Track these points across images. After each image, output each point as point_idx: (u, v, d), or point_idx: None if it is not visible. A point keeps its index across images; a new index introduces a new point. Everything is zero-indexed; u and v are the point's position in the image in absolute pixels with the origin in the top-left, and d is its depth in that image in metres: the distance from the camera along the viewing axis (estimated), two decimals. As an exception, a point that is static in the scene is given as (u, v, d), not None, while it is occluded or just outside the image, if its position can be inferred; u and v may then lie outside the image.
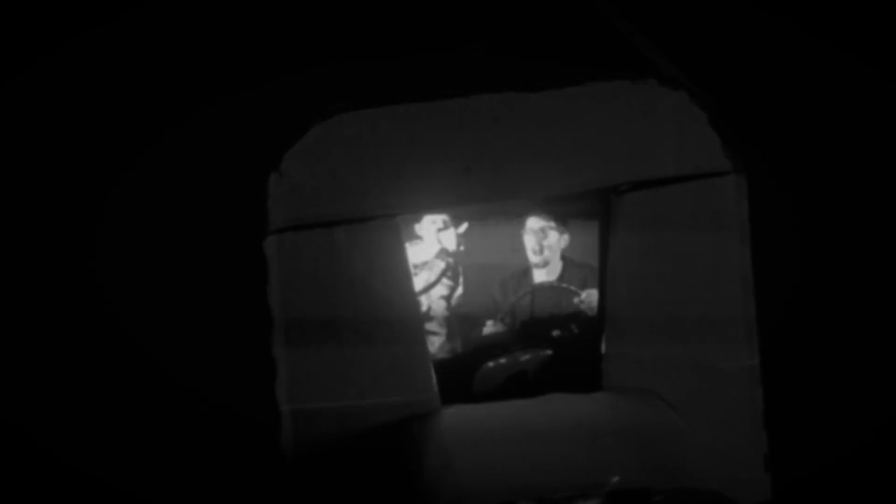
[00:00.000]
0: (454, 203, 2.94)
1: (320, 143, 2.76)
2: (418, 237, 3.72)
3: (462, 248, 3.69)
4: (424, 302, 3.68)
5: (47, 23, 3.67)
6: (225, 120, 3.18)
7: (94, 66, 3.57)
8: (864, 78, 3.92)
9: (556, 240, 3.67)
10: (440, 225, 3.69)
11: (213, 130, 3.22)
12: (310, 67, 3.09)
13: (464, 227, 3.70)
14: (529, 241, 3.71)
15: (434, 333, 3.64)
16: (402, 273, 2.91)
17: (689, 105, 2.85)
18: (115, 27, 3.63)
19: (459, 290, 3.82)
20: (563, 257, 3.74)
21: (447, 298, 3.74)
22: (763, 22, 3.87)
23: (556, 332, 3.35)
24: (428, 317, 3.64)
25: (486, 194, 2.91)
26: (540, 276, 3.69)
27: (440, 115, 2.81)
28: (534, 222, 3.71)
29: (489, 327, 3.55)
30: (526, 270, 3.76)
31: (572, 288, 3.56)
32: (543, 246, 3.66)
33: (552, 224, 3.65)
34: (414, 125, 2.80)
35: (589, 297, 3.47)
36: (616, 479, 2.55)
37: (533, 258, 3.67)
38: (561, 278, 3.64)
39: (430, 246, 3.68)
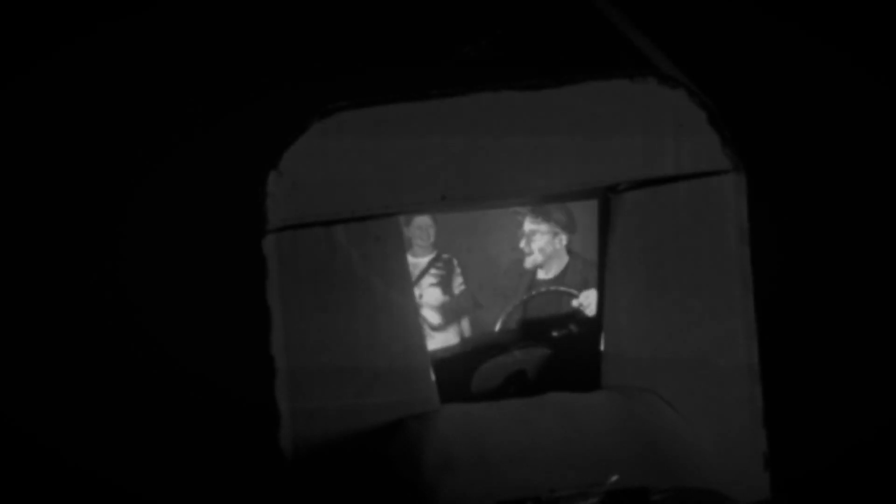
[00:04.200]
0: (454, 202, 2.94)
1: (320, 142, 2.75)
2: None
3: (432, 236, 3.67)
4: (416, 292, 3.67)
5: (48, 25, 3.68)
6: (224, 118, 3.18)
7: (93, 65, 3.57)
8: (863, 78, 3.92)
9: (548, 242, 3.66)
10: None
11: (211, 129, 3.23)
12: (309, 65, 3.09)
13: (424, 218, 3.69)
14: (523, 243, 3.71)
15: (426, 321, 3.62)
16: (402, 273, 2.91)
17: (688, 103, 2.85)
18: (114, 27, 3.63)
19: (459, 280, 3.82)
20: (570, 252, 3.73)
21: (440, 286, 3.73)
22: (762, 21, 3.87)
23: (555, 332, 3.34)
24: (419, 304, 3.63)
25: (486, 194, 2.90)
26: (539, 273, 3.68)
27: (440, 114, 2.80)
28: (526, 224, 3.71)
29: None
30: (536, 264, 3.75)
31: (571, 291, 3.56)
32: (533, 249, 3.66)
33: (543, 227, 3.65)
34: (413, 124, 2.79)
35: (587, 300, 3.47)
36: (615, 477, 2.54)
37: (527, 259, 3.67)
38: (563, 275, 3.64)
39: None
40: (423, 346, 2.95)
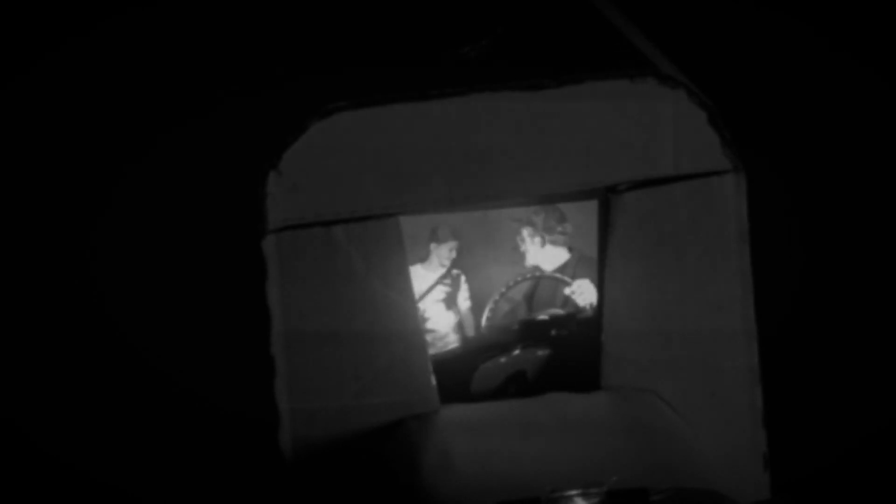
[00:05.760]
0: (454, 202, 2.94)
1: (320, 142, 2.75)
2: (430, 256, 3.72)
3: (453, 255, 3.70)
4: (420, 307, 3.67)
5: (47, 21, 3.67)
6: (224, 118, 3.18)
7: (93, 64, 3.57)
8: (863, 78, 3.92)
9: (533, 239, 3.67)
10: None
11: (211, 129, 3.23)
12: (309, 65, 3.09)
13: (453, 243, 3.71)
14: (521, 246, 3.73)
15: (431, 331, 3.63)
16: (402, 272, 2.91)
17: (687, 103, 2.84)
18: (115, 25, 3.63)
19: (465, 295, 3.82)
20: (571, 249, 3.74)
21: (445, 302, 3.74)
22: (763, 21, 3.87)
23: (555, 332, 3.34)
24: (422, 319, 3.63)
25: (486, 194, 2.90)
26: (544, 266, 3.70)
27: (440, 115, 2.80)
28: (525, 232, 3.73)
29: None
30: (537, 265, 3.77)
31: (565, 279, 3.57)
32: (527, 249, 3.67)
33: (526, 230, 3.67)
34: (413, 124, 2.79)
35: (579, 288, 3.47)
36: (615, 478, 2.54)
37: (528, 259, 3.69)
38: (561, 269, 3.65)
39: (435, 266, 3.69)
40: (423, 346, 2.95)
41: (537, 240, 3.69)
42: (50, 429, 3.49)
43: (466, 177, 2.84)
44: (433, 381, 2.94)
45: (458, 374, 3.18)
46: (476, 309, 3.82)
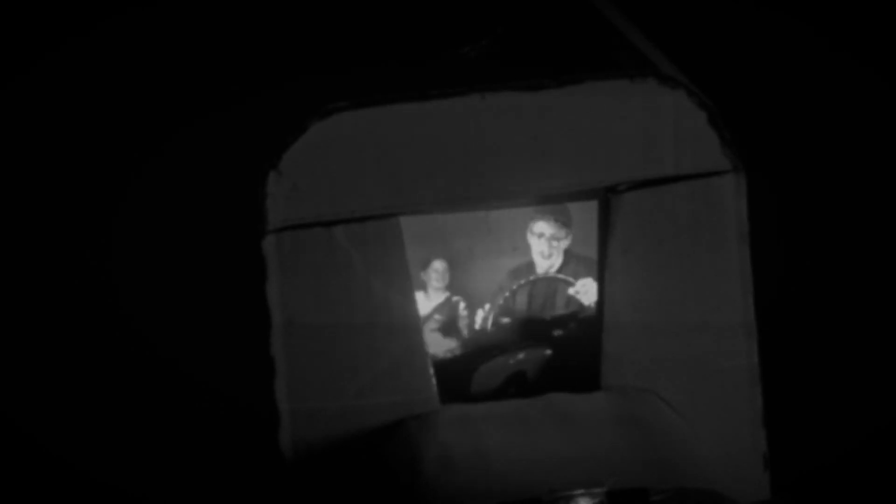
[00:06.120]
0: (454, 203, 2.94)
1: (320, 142, 2.75)
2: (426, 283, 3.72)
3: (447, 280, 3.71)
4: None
5: (47, 21, 3.67)
6: (224, 119, 3.19)
7: (94, 64, 3.57)
8: (863, 78, 3.92)
9: (561, 241, 3.69)
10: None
11: (212, 129, 3.23)
12: (309, 65, 3.09)
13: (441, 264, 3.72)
14: (538, 246, 3.73)
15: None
16: (402, 273, 2.91)
17: (688, 104, 2.85)
18: (115, 25, 3.63)
19: (465, 322, 3.83)
20: (566, 250, 3.75)
21: (441, 331, 3.74)
22: (762, 21, 3.87)
23: (555, 332, 3.35)
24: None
25: (486, 194, 2.90)
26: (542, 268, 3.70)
27: (440, 115, 2.80)
28: (542, 227, 3.73)
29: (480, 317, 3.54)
30: (530, 263, 3.78)
31: (569, 279, 3.57)
32: (552, 251, 3.68)
33: (562, 232, 3.67)
34: (414, 124, 2.79)
35: (583, 287, 3.48)
36: (615, 478, 2.54)
37: (542, 262, 3.70)
38: (560, 270, 3.66)
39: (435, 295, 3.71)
40: (422, 346, 2.95)
41: (553, 244, 3.68)
42: (49, 430, 3.49)
43: (466, 177, 2.84)
44: (433, 381, 2.94)
45: (459, 375, 3.19)
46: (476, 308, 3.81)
